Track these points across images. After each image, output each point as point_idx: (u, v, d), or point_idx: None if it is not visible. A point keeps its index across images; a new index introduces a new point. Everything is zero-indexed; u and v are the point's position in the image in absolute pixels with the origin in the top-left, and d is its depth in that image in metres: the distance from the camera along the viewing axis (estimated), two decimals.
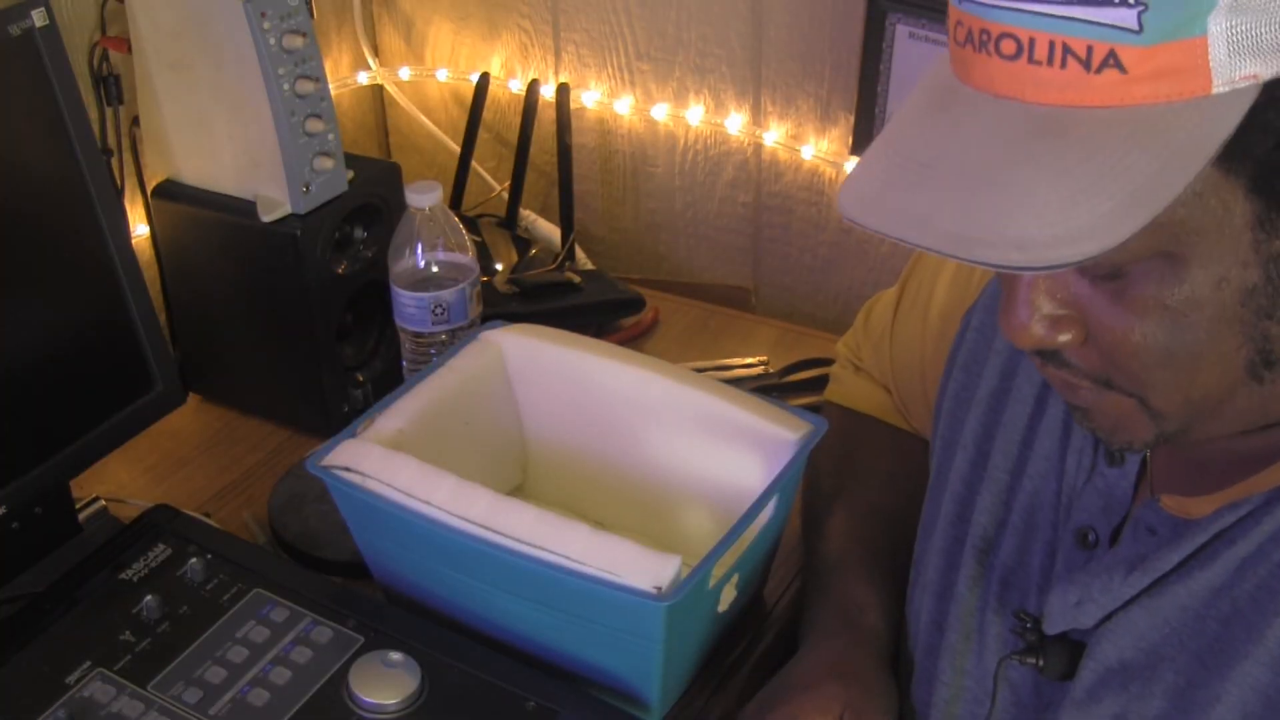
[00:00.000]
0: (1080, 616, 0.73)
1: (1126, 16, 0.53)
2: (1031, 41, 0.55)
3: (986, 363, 0.85)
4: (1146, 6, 0.53)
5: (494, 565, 0.86)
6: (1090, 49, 0.54)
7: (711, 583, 0.87)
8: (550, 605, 0.87)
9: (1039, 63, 0.55)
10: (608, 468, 1.04)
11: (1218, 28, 0.53)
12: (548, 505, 0.90)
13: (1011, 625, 0.78)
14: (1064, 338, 0.64)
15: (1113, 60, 0.54)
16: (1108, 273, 0.61)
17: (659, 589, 0.81)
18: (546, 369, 1.04)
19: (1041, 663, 0.75)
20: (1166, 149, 0.54)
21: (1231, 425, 0.66)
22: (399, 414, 0.96)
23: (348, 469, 0.90)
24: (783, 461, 0.92)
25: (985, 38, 0.57)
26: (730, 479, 0.97)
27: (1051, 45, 0.55)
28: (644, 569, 0.81)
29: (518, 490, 1.09)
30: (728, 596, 0.92)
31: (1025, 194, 0.55)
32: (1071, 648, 0.74)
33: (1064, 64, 0.55)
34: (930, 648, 0.85)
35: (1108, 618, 0.72)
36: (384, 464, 0.89)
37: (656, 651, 0.85)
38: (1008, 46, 0.56)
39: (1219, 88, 0.54)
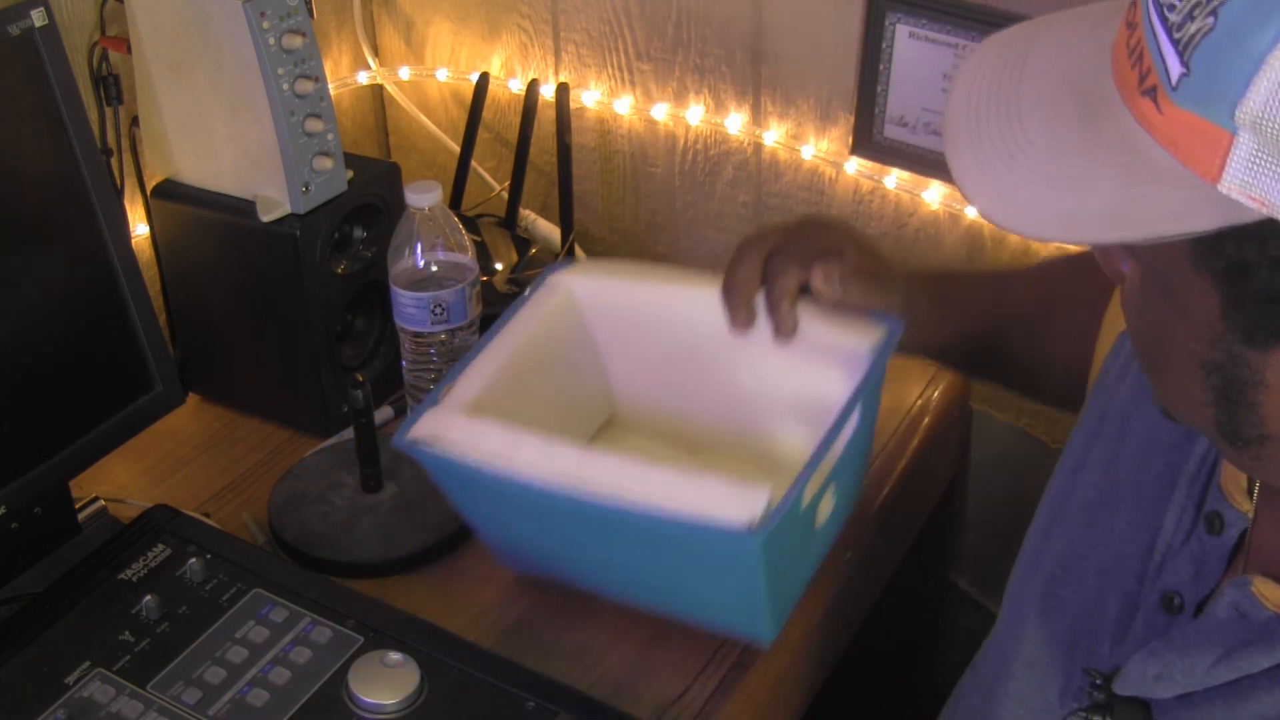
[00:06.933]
0: (1157, 689, 0.70)
1: (1174, 67, 0.52)
2: (1136, 27, 0.56)
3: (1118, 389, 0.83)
4: (1189, 73, 0.52)
5: (587, 520, 0.86)
6: (1148, 70, 0.54)
7: (804, 504, 0.87)
8: (650, 552, 0.87)
9: (1131, 51, 0.56)
10: (695, 393, 1.04)
11: (1246, 139, 0.51)
12: (641, 437, 0.90)
13: (1078, 678, 0.76)
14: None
15: (1152, 93, 0.54)
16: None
17: (750, 524, 0.80)
18: (618, 303, 1.04)
19: None
20: (1149, 198, 0.54)
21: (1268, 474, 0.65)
22: (477, 375, 0.96)
23: (434, 441, 0.90)
24: (863, 369, 0.92)
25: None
26: (815, 393, 0.96)
27: (1139, 42, 0.55)
28: (733, 504, 0.81)
29: (609, 424, 1.09)
30: (825, 510, 0.92)
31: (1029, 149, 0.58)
32: (1142, 713, 0.71)
33: (1133, 65, 0.55)
34: (998, 655, 0.84)
35: (1185, 694, 0.69)
36: (468, 432, 0.89)
37: (759, 583, 0.86)
38: (1132, 15, 0.57)
39: (1226, 187, 0.52)
